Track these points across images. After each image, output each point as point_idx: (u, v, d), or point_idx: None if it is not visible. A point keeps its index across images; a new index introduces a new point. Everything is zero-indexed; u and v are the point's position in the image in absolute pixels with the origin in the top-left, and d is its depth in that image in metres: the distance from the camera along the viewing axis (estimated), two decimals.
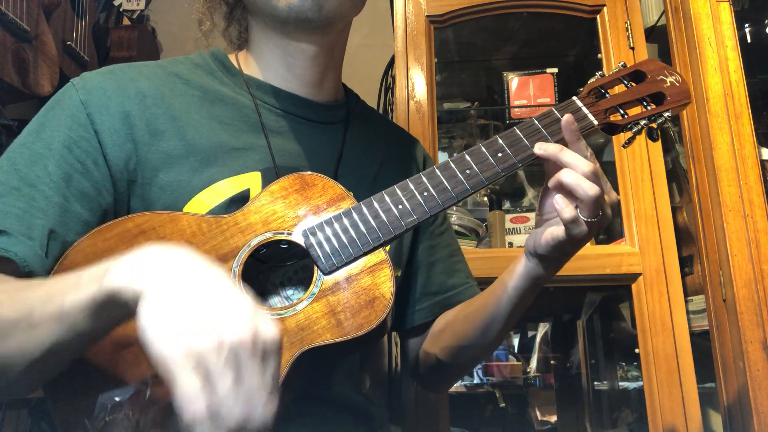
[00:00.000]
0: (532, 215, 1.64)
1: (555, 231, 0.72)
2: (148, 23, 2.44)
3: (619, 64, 0.81)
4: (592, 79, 0.80)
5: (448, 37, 1.72)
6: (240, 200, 0.76)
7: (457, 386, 2.18)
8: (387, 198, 0.73)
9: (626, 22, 1.47)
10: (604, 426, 1.85)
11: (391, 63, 1.78)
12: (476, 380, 2.18)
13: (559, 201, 0.69)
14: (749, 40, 1.57)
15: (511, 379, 2.15)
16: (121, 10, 2.31)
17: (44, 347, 0.57)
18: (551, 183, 0.72)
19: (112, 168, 0.74)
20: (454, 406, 1.93)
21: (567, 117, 0.73)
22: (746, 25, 1.57)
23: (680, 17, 1.32)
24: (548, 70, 1.66)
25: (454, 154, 0.74)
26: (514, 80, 1.65)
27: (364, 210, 0.72)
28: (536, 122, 0.76)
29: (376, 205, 0.72)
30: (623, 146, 0.81)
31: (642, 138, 1.37)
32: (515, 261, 0.80)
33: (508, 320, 0.82)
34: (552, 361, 2.12)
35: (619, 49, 1.46)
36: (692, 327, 1.32)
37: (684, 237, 1.44)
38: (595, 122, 0.76)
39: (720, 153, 1.20)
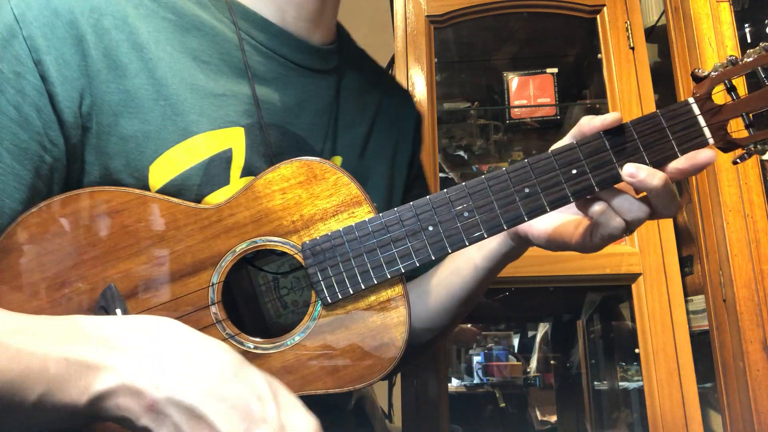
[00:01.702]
0: None
1: (582, 240, 0.61)
2: None
3: (761, 46, 0.57)
4: (715, 71, 0.58)
5: (448, 37, 1.71)
6: (221, 163, 0.62)
7: (457, 386, 2.18)
8: (416, 212, 0.58)
9: (626, 22, 1.47)
10: (604, 426, 1.84)
11: (391, 63, 1.78)
12: (476, 380, 2.18)
13: (628, 204, 0.57)
14: (749, 40, 1.56)
15: (511, 379, 2.15)
16: None
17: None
18: (631, 183, 0.57)
19: (62, 113, 0.57)
20: (454, 406, 1.93)
21: (711, 156, 0.55)
22: (746, 25, 1.56)
23: (680, 17, 1.32)
24: (548, 70, 1.66)
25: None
26: (514, 80, 1.65)
27: (387, 228, 0.58)
28: (632, 129, 0.57)
29: (403, 219, 0.58)
30: (734, 163, 0.60)
31: None
32: (482, 243, 0.67)
33: (470, 301, 0.75)
34: (552, 361, 2.12)
35: (619, 49, 1.46)
36: (692, 327, 1.32)
37: (684, 237, 1.44)
38: (712, 153, 0.55)
39: (720, 153, 1.20)
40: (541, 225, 0.65)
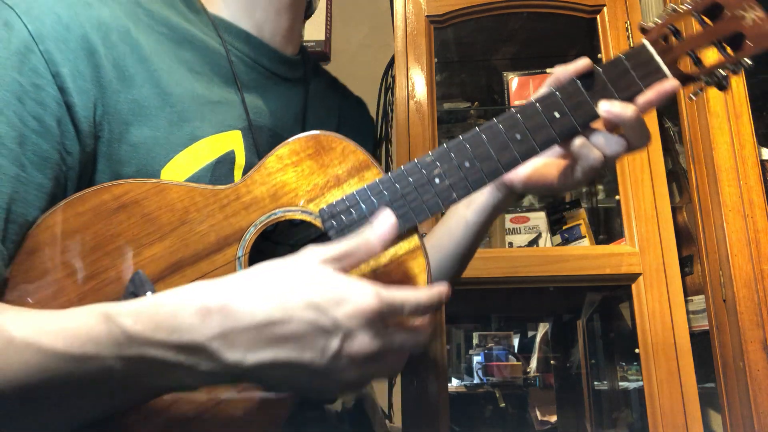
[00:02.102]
0: (532, 215, 1.64)
1: (564, 177, 0.66)
2: None
3: None
4: (660, 18, 0.66)
5: (448, 37, 1.72)
6: (226, 163, 0.66)
7: (457, 386, 2.18)
8: (421, 169, 0.61)
9: (626, 22, 1.47)
10: (604, 426, 1.84)
11: (391, 63, 1.78)
12: (476, 380, 2.18)
13: (606, 141, 0.63)
14: None
15: (511, 379, 2.15)
16: None
17: (69, 422, 0.51)
18: (607, 118, 0.63)
19: (79, 123, 0.59)
20: (454, 406, 1.93)
21: (673, 84, 0.61)
22: None
23: None
24: (548, 70, 1.66)
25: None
26: (514, 80, 1.65)
27: (396, 186, 0.60)
28: (601, 74, 0.63)
29: (408, 178, 0.60)
30: (690, 98, 0.69)
31: None
32: (471, 197, 0.70)
33: (465, 258, 0.79)
34: (552, 361, 2.12)
35: (619, 49, 1.46)
36: (692, 327, 1.32)
37: (684, 237, 1.44)
38: (675, 81, 0.62)
39: (720, 153, 1.20)
40: (522, 171, 0.70)
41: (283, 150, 0.62)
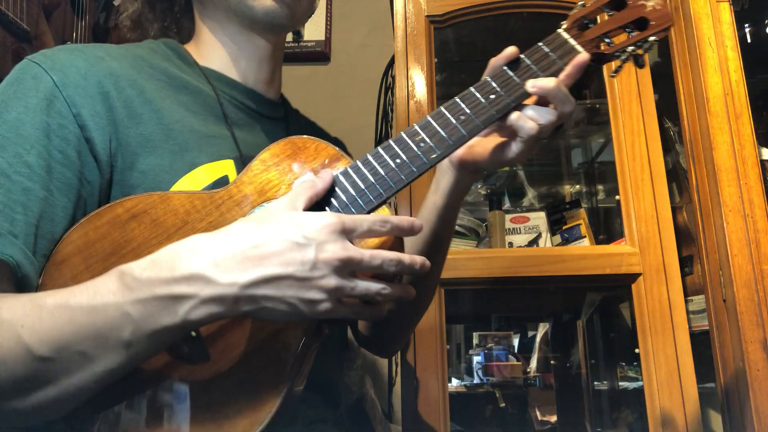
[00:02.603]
0: (532, 215, 1.64)
1: (510, 150, 0.76)
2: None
3: None
4: (574, 10, 0.80)
5: (448, 37, 1.72)
6: (220, 186, 0.75)
7: (457, 386, 2.18)
8: (383, 153, 0.70)
9: None
10: (604, 426, 1.85)
11: (391, 63, 1.78)
12: (476, 380, 2.18)
13: (539, 113, 0.73)
14: (749, 40, 1.57)
15: (511, 379, 2.15)
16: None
17: (100, 378, 0.58)
18: (535, 92, 0.73)
19: (98, 154, 0.71)
20: (454, 406, 1.93)
21: (584, 57, 0.74)
22: (746, 25, 1.57)
23: (680, 17, 1.32)
24: None
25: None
26: None
27: (362, 168, 0.69)
28: (526, 59, 0.75)
29: (373, 161, 0.69)
30: (611, 75, 0.82)
31: (641, 138, 1.38)
32: (436, 183, 0.85)
33: (442, 242, 0.88)
34: (552, 361, 2.12)
35: None
36: (692, 327, 1.32)
37: (684, 237, 1.45)
38: (585, 53, 0.75)
39: (720, 153, 1.20)
40: (472, 148, 0.81)
41: (265, 155, 0.72)
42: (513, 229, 1.62)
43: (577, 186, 1.93)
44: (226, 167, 0.77)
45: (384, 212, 0.69)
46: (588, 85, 1.77)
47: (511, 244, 1.59)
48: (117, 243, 0.65)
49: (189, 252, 0.58)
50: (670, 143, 1.60)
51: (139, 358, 0.59)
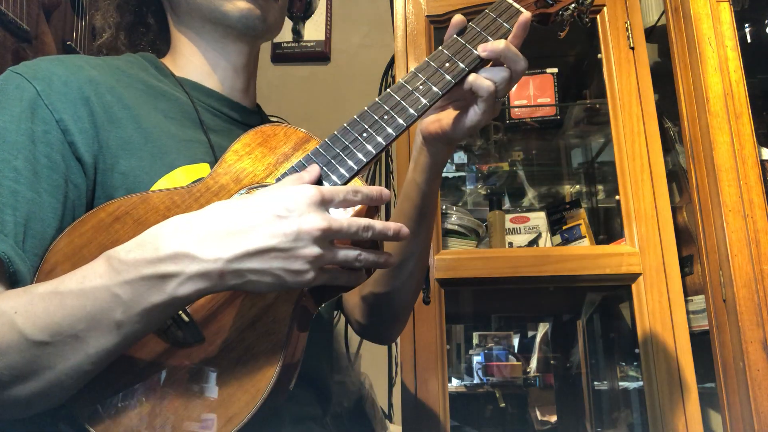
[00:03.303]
0: (532, 215, 1.64)
1: (473, 113, 0.78)
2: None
3: None
4: None
5: None
6: None
7: (457, 386, 2.18)
8: (350, 129, 0.73)
9: (626, 22, 1.47)
10: (604, 426, 1.85)
11: (391, 63, 1.78)
12: (476, 380, 2.18)
13: (498, 74, 0.76)
14: (749, 40, 1.57)
15: (511, 379, 2.15)
16: None
17: (95, 360, 0.60)
18: (486, 55, 0.76)
19: (81, 156, 0.73)
20: (454, 406, 1.93)
21: (526, 15, 0.77)
22: (746, 25, 1.57)
23: (680, 17, 1.32)
24: (548, 70, 1.66)
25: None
26: None
27: (331, 145, 0.72)
28: (475, 26, 0.79)
29: (340, 138, 0.72)
30: (559, 34, 0.85)
31: (641, 138, 1.38)
32: (414, 162, 0.87)
33: (427, 218, 0.90)
34: (552, 361, 2.12)
35: (619, 49, 1.46)
36: (692, 327, 1.32)
37: (684, 237, 1.45)
38: (527, 13, 0.78)
39: (720, 153, 1.20)
40: (439, 123, 0.82)
41: (237, 145, 0.74)
42: (513, 229, 1.62)
43: (577, 186, 1.93)
44: (202, 170, 0.79)
45: (357, 183, 0.71)
46: (588, 85, 1.77)
47: (511, 244, 1.59)
48: (104, 246, 0.66)
49: (172, 231, 0.60)
50: (670, 143, 1.60)
51: (132, 338, 0.60)
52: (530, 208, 1.72)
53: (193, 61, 0.90)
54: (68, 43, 1.89)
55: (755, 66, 1.45)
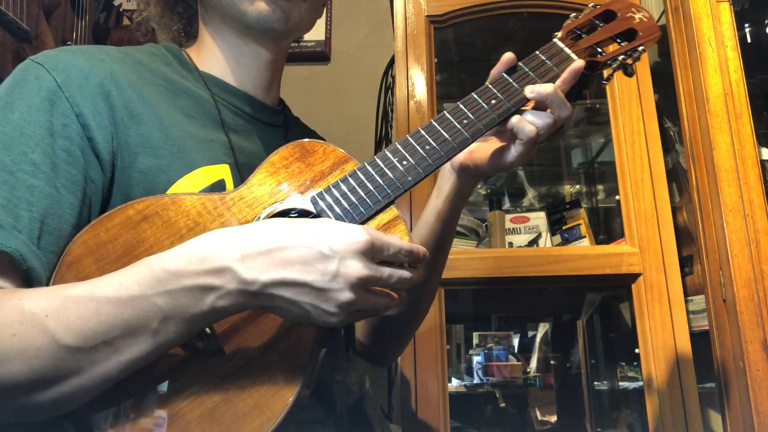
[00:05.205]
0: (532, 215, 1.64)
1: (510, 154, 0.78)
2: (148, 23, 2.44)
3: (590, 6, 0.85)
4: (568, 21, 0.84)
5: (448, 37, 1.72)
6: (218, 189, 0.76)
7: (457, 386, 2.18)
8: (390, 155, 0.72)
9: None
10: (604, 426, 1.85)
11: (391, 63, 1.78)
12: (476, 380, 2.18)
13: (539, 118, 0.76)
14: (749, 40, 1.57)
15: (511, 379, 2.15)
16: (121, 10, 2.31)
17: (126, 367, 0.59)
18: (533, 97, 0.77)
19: (99, 153, 0.71)
20: (454, 406, 1.93)
21: (580, 63, 0.77)
22: (746, 25, 1.57)
23: (680, 17, 1.32)
24: None
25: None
26: None
27: (369, 169, 0.71)
28: (524, 66, 0.79)
29: (380, 163, 0.72)
30: (604, 82, 0.86)
31: (641, 138, 1.38)
32: (438, 188, 0.87)
33: (444, 243, 0.90)
34: (552, 361, 2.13)
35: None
36: (692, 327, 1.32)
37: (684, 237, 1.45)
38: (581, 61, 0.79)
39: (720, 153, 1.20)
40: (471, 155, 0.83)
41: (274, 158, 0.74)
42: (513, 229, 1.62)
43: (577, 186, 1.93)
44: (222, 171, 0.78)
45: (392, 212, 0.70)
46: (588, 86, 1.77)
47: (511, 244, 1.59)
48: (129, 244, 0.66)
49: (219, 245, 0.60)
50: (670, 143, 1.60)
51: (164, 347, 0.60)
52: (530, 208, 1.72)
53: (217, 56, 0.88)
54: (68, 43, 1.89)
55: (755, 66, 1.45)
